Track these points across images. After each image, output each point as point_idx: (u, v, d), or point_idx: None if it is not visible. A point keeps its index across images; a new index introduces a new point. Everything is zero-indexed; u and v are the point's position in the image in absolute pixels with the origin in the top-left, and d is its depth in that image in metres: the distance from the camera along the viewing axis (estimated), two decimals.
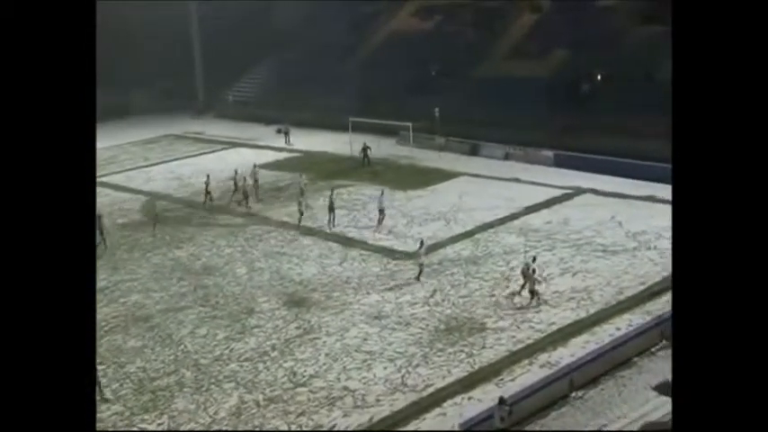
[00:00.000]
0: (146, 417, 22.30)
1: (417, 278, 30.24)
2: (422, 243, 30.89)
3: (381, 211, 37.30)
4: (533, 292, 27.57)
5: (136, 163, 55.11)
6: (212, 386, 23.67)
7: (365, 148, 49.12)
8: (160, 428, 21.80)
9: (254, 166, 44.99)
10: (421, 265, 30.41)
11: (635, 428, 20.09)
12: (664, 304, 26.63)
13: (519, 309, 27.32)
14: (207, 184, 42.73)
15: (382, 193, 38.38)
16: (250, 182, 43.05)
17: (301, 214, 38.16)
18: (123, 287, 31.68)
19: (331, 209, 37.69)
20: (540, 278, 28.33)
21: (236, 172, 44.18)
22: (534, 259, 28.64)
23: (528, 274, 27.84)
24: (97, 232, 34.61)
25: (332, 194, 38.81)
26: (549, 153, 47.58)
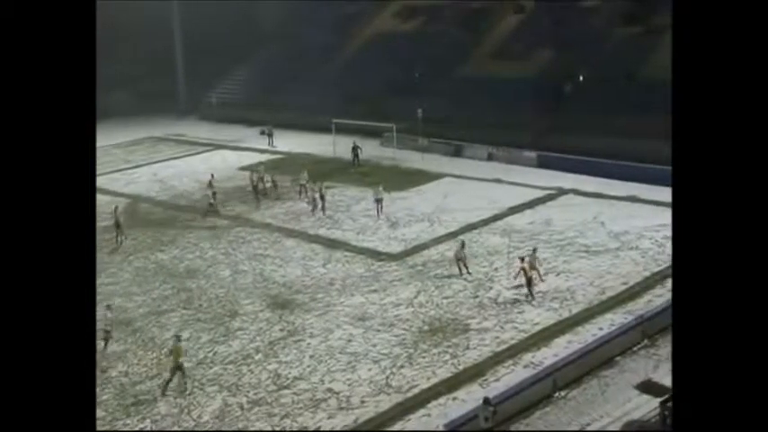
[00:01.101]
0: (128, 421, 22.19)
1: (464, 272, 30.49)
2: (462, 244, 31.26)
3: (379, 201, 38.86)
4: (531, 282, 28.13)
5: (117, 166, 54.77)
6: (195, 390, 23.58)
7: (355, 148, 49.14)
8: None
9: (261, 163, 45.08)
10: (459, 261, 30.56)
11: (617, 427, 20.20)
12: (645, 304, 26.81)
13: (503, 308, 27.41)
14: (211, 185, 42.82)
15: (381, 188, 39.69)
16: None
17: (317, 205, 39.60)
18: (105, 291, 31.50)
19: (322, 198, 39.88)
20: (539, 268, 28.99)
21: (212, 176, 44.77)
22: (535, 250, 29.78)
23: (531, 266, 28.43)
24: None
25: (322, 187, 40.59)
26: (532, 154, 47.72)
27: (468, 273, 30.16)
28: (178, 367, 23.54)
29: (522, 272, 28.02)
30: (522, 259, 28.52)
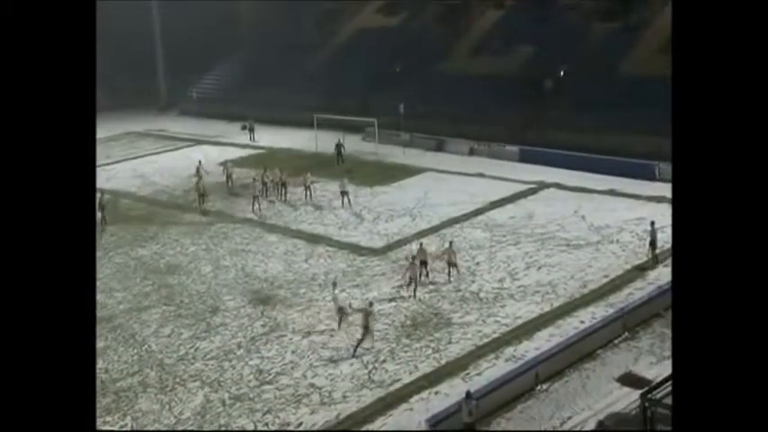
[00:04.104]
0: (108, 419, 22.07)
1: (452, 278, 30.21)
2: (451, 245, 31.08)
3: (344, 194, 39.62)
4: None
5: (98, 161, 54.24)
6: (177, 386, 23.48)
7: (339, 145, 49.07)
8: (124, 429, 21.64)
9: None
10: (451, 266, 30.21)
11: (600, 418, 20.29)
12: (626, 297, 26.93)
13: (485, 303, 27.45)
14: (199, 175, 43.02)
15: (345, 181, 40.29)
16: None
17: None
18: None
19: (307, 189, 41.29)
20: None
21: (199, 162, 45.01)
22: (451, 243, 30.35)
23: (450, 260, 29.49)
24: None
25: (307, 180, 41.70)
26: (514, 148, 47.80)
27: (457, 270, 29.79)
28: (366, 328, 24.47)
29: (409, 269, 28.70)
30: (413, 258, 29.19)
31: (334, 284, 27.46)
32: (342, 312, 26.14)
